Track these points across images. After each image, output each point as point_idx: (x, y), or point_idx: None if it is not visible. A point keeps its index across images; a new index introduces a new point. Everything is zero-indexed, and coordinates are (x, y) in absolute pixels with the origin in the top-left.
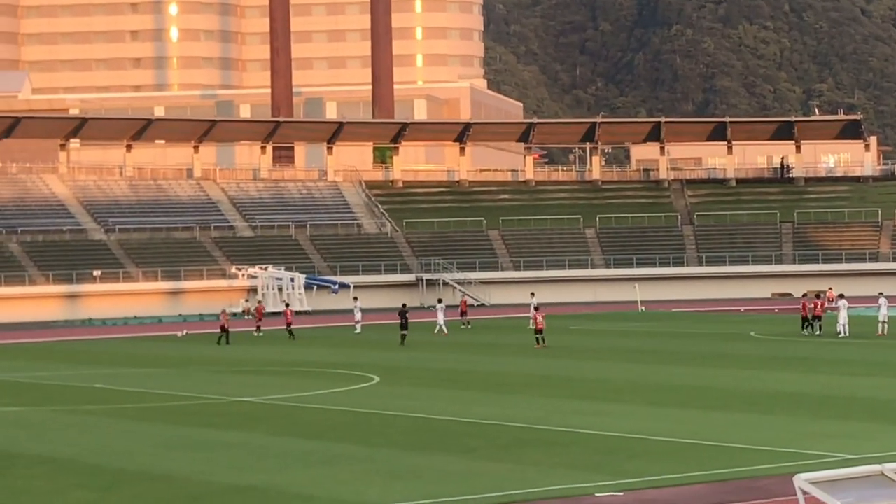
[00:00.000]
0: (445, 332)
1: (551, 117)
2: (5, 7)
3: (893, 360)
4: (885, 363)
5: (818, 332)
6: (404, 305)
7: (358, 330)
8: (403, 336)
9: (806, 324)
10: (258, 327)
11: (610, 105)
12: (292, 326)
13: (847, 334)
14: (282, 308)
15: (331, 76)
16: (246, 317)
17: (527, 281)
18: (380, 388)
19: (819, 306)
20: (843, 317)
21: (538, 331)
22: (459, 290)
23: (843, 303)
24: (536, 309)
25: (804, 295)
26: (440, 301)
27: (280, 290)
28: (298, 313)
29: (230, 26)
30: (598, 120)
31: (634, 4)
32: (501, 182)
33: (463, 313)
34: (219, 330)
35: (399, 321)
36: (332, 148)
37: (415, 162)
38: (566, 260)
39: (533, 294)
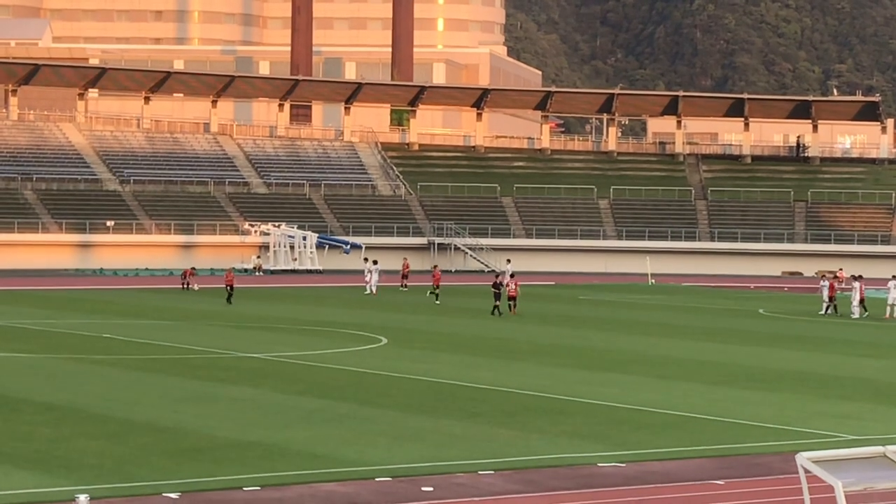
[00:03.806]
0: (374, 292)
1: (569, 87)
2: None
3: None
4: (893, 345)
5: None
6: (498, 276)
7: (370, 291)
8: (496, 307)
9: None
10: (405, 283)
11: (629, 77)
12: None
13: (860, 315)
14: (294, 265)
15: (351, 37)
16: (256, 273)
17: (538, 249)
18: (388, 349)
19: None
20: (856, 298)
21: (510, 297)
22: (469, 254)
23: (857, 284)
24: (512, 276)
25: (834, 276)
26: (375, 262)
27: (292, 247)
28: (309, 272)
29: None
30: (616, 91)
31: None
32: (517, 149)
33: (404, 276)
34: (227, 287)
35: (493, 291)
36: (349, 108)
37: (431, 126)
38: (578, 230)
39: (509, 261)
